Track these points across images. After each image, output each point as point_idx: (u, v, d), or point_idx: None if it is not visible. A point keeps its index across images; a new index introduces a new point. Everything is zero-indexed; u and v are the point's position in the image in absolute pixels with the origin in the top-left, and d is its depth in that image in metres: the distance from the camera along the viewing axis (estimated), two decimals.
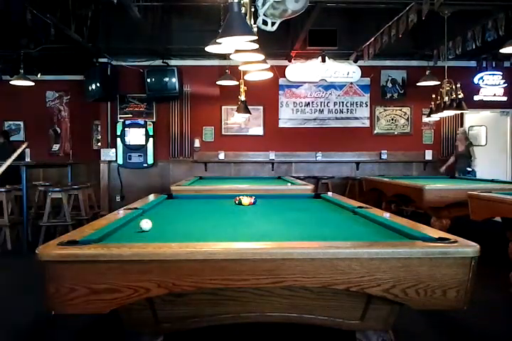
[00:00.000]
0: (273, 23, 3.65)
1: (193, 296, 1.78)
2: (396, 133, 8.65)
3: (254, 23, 3.55)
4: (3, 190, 5.44)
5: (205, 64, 8.22)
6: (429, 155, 8.54)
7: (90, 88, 8.00)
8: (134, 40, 7.50)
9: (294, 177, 6.86)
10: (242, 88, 6.43)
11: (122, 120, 8.32)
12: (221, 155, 8.37)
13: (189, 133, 8.41)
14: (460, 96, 5.85)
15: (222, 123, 8.46)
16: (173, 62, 8.24)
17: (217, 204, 3.30)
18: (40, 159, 8.35)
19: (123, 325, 1.86)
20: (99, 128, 8.85)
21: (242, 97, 6.50)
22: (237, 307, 1.84)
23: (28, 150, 6.03)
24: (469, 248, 1.65)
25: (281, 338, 2.64)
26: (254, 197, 3.27)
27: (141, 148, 8.25)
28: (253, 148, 8.45)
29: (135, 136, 8.24)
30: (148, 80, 7.99)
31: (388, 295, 1.64)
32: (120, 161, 8.28)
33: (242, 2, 3.13)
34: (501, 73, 8.53)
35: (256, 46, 3.07)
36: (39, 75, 8.71)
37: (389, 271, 1.62)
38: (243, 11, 3.10)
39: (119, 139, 8.26)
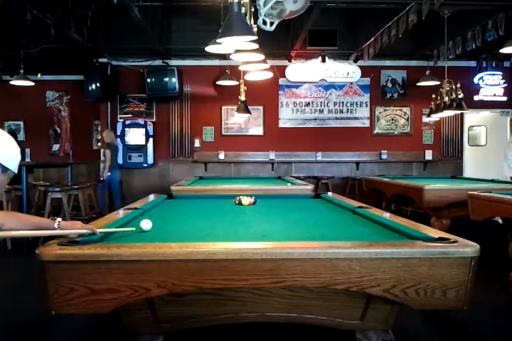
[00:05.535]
0: (271, 23, 3.65)
1: (193, 296, 1.78)
2: (396, 133, 8.65)
3: (255, 23, 3.55)
4: None
5: (205, 64, 8.22)
6: (429, 155, 8.54)
7: (90, 88, 8.00)
8: (134, 40, 7.50)
9: (294, 177, 6.86)
10: (242, 88, 6.43)
11: (122, 120, 8.32)
12: (221, 155, 8.37)
13: (189, 133, 8.41)
14: (460, 96, 5.84)
15: (222, 123, 8.46)
16: (173, 62, 8.24)
17: (217, 204, 3.30)
18: (40, 159, 8.38)
19: (123, 325, 1.86)
20: (99, 128, 8.85)
21: (242, 97, 6.50)
22: (237, 307, 1.84)
23: (28, 150, 6.04)
24: (469, 248, 1.65)
25: (281, 338, 2.64)
26: (254, 197, 3.27)
27: (141, 148, 8.25)
28: (253, 148, 8.45)
29: (135, 136, 8.24)
30: (148, 80, 7.98)
31: (388, 295, 1.64)
32: (120, 161, 8.27)
33: (242, 2, 3.13)
34: (501, 73, 8.53)
35: (256, 46, 3.08)
36: (39, 75, 8.71)
37: (389, 271, 1.62)
38: (243, 11, 3.11)
39: (119, 139, 8.26)
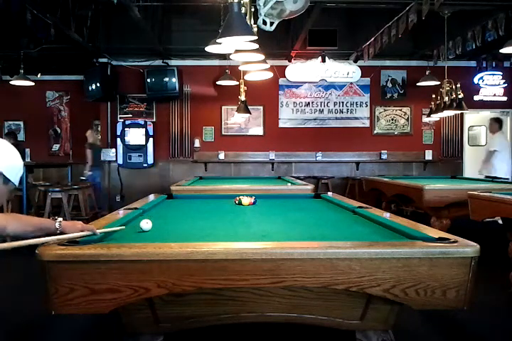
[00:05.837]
0: (271, 23, 3.65)
1: (193, 296, 1.78)
2: (396, 133, 8.65)
3: (255, 23, 3.55)
4: None
5: (205, 64, 8.22)
6: (429, 155, 8.54)
7: (90, 88, 7.99)
8: (134, 40, 7.49)
9: (294, 177, 6.86)
10: (242, 88, 6.43)
11: (122, 120, 8.32)
12: (221, 155, 8.37)
13: (189, 133, 8.41)
14: (460, 96, 5.84)
15: (222, 123, 8.46)
16: (173, 62, 8.23)
17: (217, 204, 3.30)
18: (40, 159, 8.38)
19: (123, 325, 1.86)
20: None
21: (242, 97, 6.50)
22: (237, 307, 1.84)
23: (28, 150, 6.05)
24: (469, 248, 1.65)
25: (281, 338, 2.64)
26: (254, 197, 3.27)
27: (141, 148, 8.24)
28: (253, 148, 8.44)
29: (135, 136, 8.24)
30: (148, 80, 7.98)
31: (388, 295, 1.64)
32: (120, 161, 8.28)
33: (242, 2, 3.13)
34: (501, 73, 8.53)
35: (256, 46, 3.08)
36: (39, 75, 8.71)
37: (389, 271, 1.62)
38: (243, 11, 3.10)
39: (119, 139, 8.26)
